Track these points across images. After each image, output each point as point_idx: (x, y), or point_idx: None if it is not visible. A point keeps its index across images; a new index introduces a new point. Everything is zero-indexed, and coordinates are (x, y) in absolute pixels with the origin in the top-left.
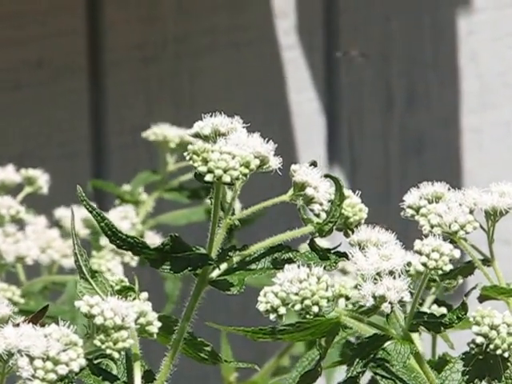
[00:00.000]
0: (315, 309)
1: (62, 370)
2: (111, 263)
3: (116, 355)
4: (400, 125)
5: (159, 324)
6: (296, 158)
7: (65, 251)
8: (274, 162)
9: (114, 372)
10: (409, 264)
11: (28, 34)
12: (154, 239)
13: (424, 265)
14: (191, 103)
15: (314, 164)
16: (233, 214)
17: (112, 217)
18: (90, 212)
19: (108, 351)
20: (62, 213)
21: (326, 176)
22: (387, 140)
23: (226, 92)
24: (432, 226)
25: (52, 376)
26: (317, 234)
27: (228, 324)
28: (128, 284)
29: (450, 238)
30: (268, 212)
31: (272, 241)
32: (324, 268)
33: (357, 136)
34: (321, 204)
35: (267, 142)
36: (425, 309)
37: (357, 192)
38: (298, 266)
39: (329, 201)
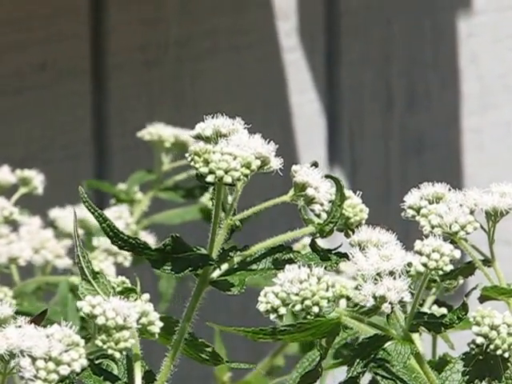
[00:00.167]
0: (315, 309)
1: (64, 370)
2: (104, 264)
3: (117, 355)
4: (400, 126)
5: (161, 324)
6: (297, 158)
7: (58, 252)
8: (275, 163)
9: (115, 372)
10: (409, 264)
11: (32, 37)
12: (147, 239)
13: (424, 265)
14: (193, 105)
15: (314, 165)
16: (234, 214)
17: None
18: (92, 213)
19: (109, 351)
20: (56, 213)
21: (327, 176)
22: (387, 141)
23: (228, 94)
24: (432, 227)
25: (54, 376)
26: (317, 235)
27: (228, 324)
28: (129, 285)
29: (451, 238)
30: (269, 212)
31: (273, 241)
32: (325, 268)
33: (357, 137)
34: (321, 204)
35: (268, 142)
36: (425, 309)
37: (357, 192)
38: (299, 267)
39: (329, 201)
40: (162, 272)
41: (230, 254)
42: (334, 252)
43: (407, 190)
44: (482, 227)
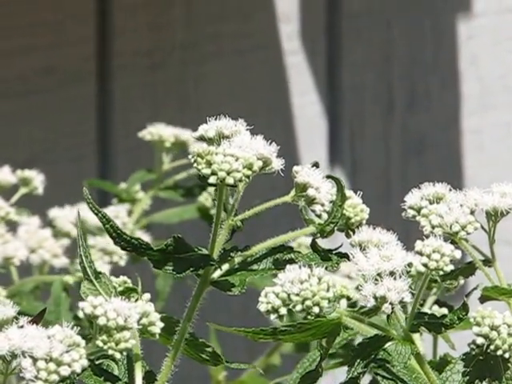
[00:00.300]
0: (316, 309)
1: (65, 371)
2: (97, 263)
3: (118, 356)
4: (401, 126)
5: (162, 324)
6: (298, 159)
7: (56, 251)
8: (277, 164)
9: (116, 372)
10: (410, 265)
11: (38, 41)
12: (143, 238)
13: (425, 265)
14: (196, 108)
15: (315, 165)
16: (235, 214)
17: None
18: (96, 214)
19: (110, 352)
20: (55, 213)
21: (328, 177)
22: (388, 141)
23: (231, 96)
24: (433, 227)
25: (54, 377)
26: (318, 235)
27: (228, 324)
28: (131, 285)
29: (451, 238)
30: (270, 212)
31: (274, 241)
32: (325, 269)
33: (358, 138)
34: (322, 205)
35: (270, 143)
36: (426, 309)
37: (358, 192)
38: (300, 267)
39: (330, 201)
40: (164, 272)
41: (231, 254)
42: (334, 252)
43: (407, 191)
44: (482, 227)
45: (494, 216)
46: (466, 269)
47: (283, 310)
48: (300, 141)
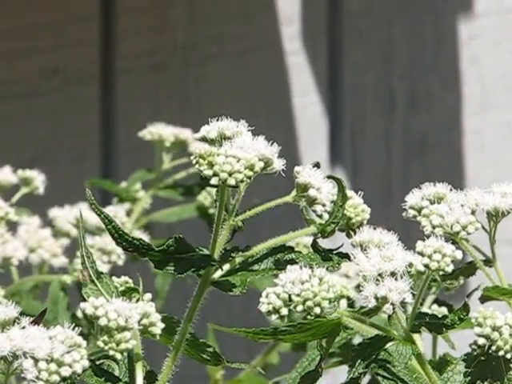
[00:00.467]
0: (317, 310)
1: (66, 371)
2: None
3: (119, 356)
4: (402, 127)
5: (162, 325)
6: (299, 159)
7: (55, 251)
8: (278, 164)
9: (116, 373)
10: (411, 265)
11: (43, 44)
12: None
13: (426, 266)
14: (198, 108)
15: (317, 165)
16: (236, 215)
17: None
18: (99, 215)
19: (111, 352)
20: (55, 212)
21: (329, 177)
22: (389, 142)
23: (232, 97)
24: (434, 227)
25: (55, 378)
26: (319, 235)
27: (229, 324)
28: (132, 285)
29: (452, 238)
30: (271, 213)
31: (275, 241)
32: (326, 269)
33: (359, 138)
34: (323, 205)
35: (271, 144)
36: (425, 308)
37: (359, 193)
38: (301, 267)
39: (331, 202)
40: (165, 273)
41: (232, 254)
42: (335, 252)
43: (409, 191)
44: (483, 227)
45: (494, 216)
46: (467, 269)
47: (284, 311)
48: (301, 141)
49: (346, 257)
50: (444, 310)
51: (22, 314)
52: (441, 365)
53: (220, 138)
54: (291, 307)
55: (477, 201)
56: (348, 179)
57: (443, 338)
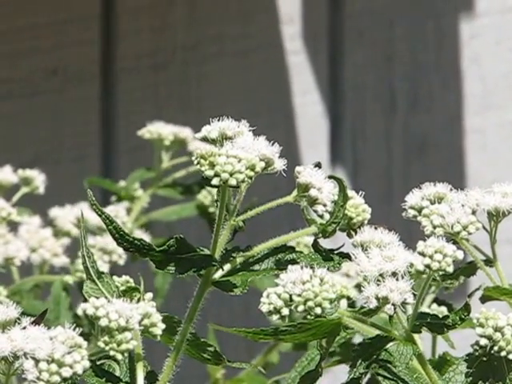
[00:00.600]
0: (318, 310)
1: (66, 372)
2: (98, 263)
3: (120, 357)
4: (403, 126)
5: (163, 326)
6: (299, 159)
7: (56, 250)
8: (279, 164)
9: (117, 373)
10: (412, 265)
11: (43, 44)
12: (143, 237)
13: (427, 266)
14: (198, 108)
15: (318, 165)
16: (237, 215)
17: None
18: (100, 215)
19: (112, 353)
20: (56, 212)
21: (330, 177)
22: (390, 141)
23: (233, 97)
24: (434, 227)
25: (56, 378)
26: (320, 235)
27: (230, 324)
28: (133, 284)
29: (453, 238)
30: (272, 213)
31: (276, 241)
32: (327, 269)
33: (359, 137)
34: (324, 205)
35: (272, 144)
36: (425, 307)
37: (360, 193)
38: (302, 267)
39: (332, 202)
40: (166, 273)
41: (233, 254)
42: (336, 252)
43: (409, 191)
44: (484, 227)
45: (495, 216)
46: (467, 268)
47: (285, 311)
48: (301, 140)
49: (346, 257)
50: (444, 310)
51: (22, 313)
52: (440, 364)
53: (221, 138)
54: (292, 307)
55: (477, 201)
56: (348, 179)
57: (443, 338)
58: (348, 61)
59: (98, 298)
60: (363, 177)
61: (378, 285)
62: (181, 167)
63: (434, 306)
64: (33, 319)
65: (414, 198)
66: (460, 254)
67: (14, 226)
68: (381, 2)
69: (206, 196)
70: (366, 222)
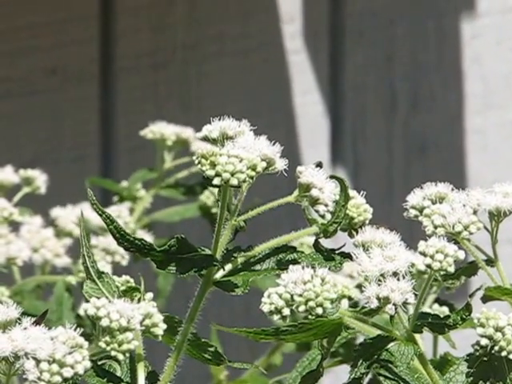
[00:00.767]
0: (319, 310)
1: (67, 372)
2: (100, 263)
3: (121, 357)
4: (403, 126)
5: (165, 326)
6: (300, 159)
7: (58, 251)
8: (280, 164)
9: (118, 373)
10: (413, 265)
11: (43, 43)
12: (145, 238)
13: (428, 266)
14: (198, 108)
15: (319, 165)
16: (238, 215)
17: None
18: (100, 215)
19: (113, 353)
20: (57, 212)
21: (332, 177)
22: (390, 141)
23: (233, 96)
24: (435, 227)
25: (57, 379)
26: (321, 235)
27: (231, 324)
28: (133, 284)
29: (454, 238)
30: (273, 213)
31: (277, 241)
32: (329, 269)
33: (360, 137)
34: (326, 205)
35: (273, 144)
36: (426, 307)
37: (361, 192)
38: (303, 267)
39: (333, 201)
40: (167, 273)
41: (234, 254)
42: (337, 252)
43: (410, 191)
44: (485, 227)
45: (496, 216)
46: (468, 268)
47: (286, 311)
48: (302, 140)
49: (348, 257)
50: (445, 310)
51: (24, 314)
52: (442, 364)
53: (222, 138)
54: (293, 307)
55: (479, 201)
56: (349, 179)
57: (444, 338)
58: (348, 61)
59: (98, 297)
60: (364, 177)
61: (379, 285)
62: (183, 167)
63: (436, 306)
64: (34, 319)
65: (415, 197)
66: (461, 254)
67: (15, 226)
68: (381, 1)
69: (208, 197)
70: (367, 221)
